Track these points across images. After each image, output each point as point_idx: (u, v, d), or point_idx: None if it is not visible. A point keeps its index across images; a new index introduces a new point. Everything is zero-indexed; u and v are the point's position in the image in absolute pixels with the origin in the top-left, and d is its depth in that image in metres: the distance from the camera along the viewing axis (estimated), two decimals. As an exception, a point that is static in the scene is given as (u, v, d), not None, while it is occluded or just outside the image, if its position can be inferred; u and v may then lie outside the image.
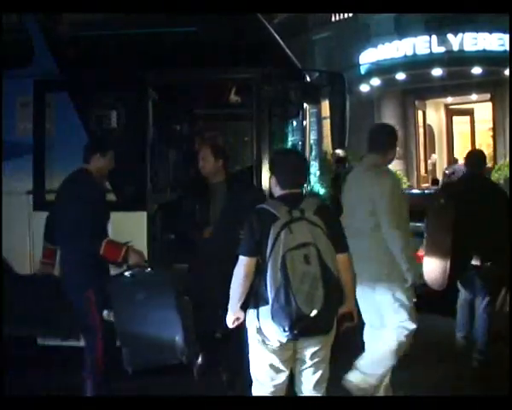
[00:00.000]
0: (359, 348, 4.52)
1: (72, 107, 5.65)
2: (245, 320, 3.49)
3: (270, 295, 3.18)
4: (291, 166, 3.51)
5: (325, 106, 6.17)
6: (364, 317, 4.45)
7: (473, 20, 15.81)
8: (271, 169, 3.62)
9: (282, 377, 3.45)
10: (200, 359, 4.33)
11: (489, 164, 12.92)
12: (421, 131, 19.91)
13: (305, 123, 6.28)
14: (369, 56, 17.96)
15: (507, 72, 15.66)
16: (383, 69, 17.64)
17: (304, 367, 3.46)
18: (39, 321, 4.94)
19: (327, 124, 6.53)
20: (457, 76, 17.19)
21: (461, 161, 17.13)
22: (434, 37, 16.70)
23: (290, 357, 3.42)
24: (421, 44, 16.82)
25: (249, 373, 3.55)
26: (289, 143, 6.22)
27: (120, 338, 4.33)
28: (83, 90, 5.71)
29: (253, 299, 3.38)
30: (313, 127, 6.86)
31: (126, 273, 4.35)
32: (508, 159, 15.45)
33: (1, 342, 4.98)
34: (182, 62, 5.55)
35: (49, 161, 5.63)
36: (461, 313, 5.58)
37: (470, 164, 5.66)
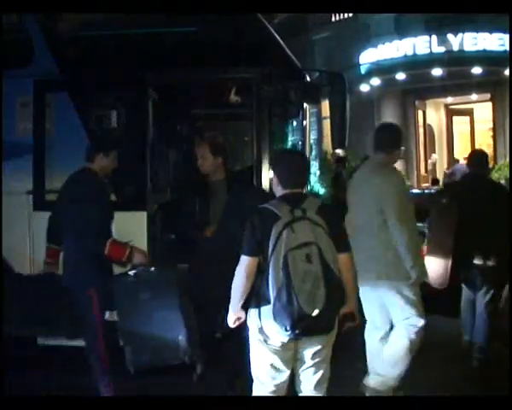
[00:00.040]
0: (360, 348, 4.52)
1: (72, 107, 5.65)
2: (245, 320, 3.49)
3: (272, 294, 3.18)
4: (293, 166, 3.51)
5: (325, 106, 6.18)
6: (368, 316, 4.48)
7: (473, 20, 15.81)
8: (273, 169, 3.61)
9: (283, 377, 3.45)
10: (199, 367, 4.32)
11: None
12: (421, 130, 19.92)
13: (305, 123, 6.28)
14: (369, 56, 17.96)
15: (507, 72, 15.65)
16: (383, 69, 17.64)
17: (305, 367, 3.46)
18: (46, 321, 4.92)
19: (327, 124, 6.53)
20: (457, 76, 17.19)
21: (462, 161, 17.18)
22: (434, 37, 16.71)
23: (291, 357, 3.42)
24: (422, 44, 16.82)
25: (250, 373, 3.55)
26: (289, 143, 6.22)
27: (123, 337, 4.34)
28: (83, 90, 5.71)
29: (254, 299, 3.38)
30: (313, 127, 6.86)
31: (130, 273, 4.36)
32: (508, 159, 15.44)
33: (1, 342, 4.98)
34: (182, 62, 5.55)
35: (49, 161, 5.64)
36: (464, 315, 5.59)
37: (473, 164, 5.67)
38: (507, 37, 15.21)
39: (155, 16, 5.58)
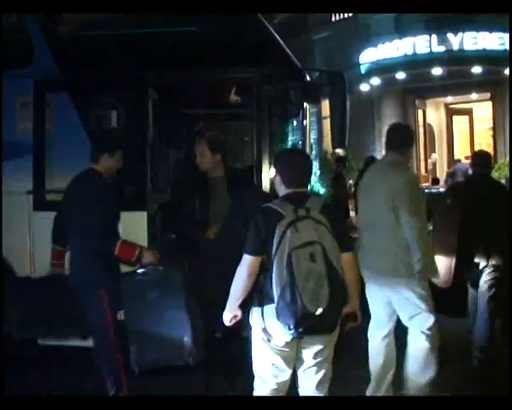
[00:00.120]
0: (362, 349, 4.53)
1: (72, 107, 5.65)
2: (244, 319, 3.49)
3: (276, 293, 3.19)
4: (296, 166, 3.52)
5: (325, 105, 6.18)
6: (373, 314, 4.51)
7: (473, 19, 15.79)
8: (276, 168, 3.61)
9: (285, 376, 3.46)
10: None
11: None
12: (421, 130, 19.89)
13: (305, 123, 6.29)
14: (369, 56, 17.94)
15: (507, 71, 15.64)
16: (383, 69, 17.63)
17: (307, 367, 3.47)
18: (56, 323, 4.93)
19: (327, 123, 6.53)
20: (457, 75, 17.18)
21: (464, 161, 17.22)
22: (434, 36, 16.68)
23: (293, 356, 3.43)
24: (422, 44, 16.79)
25: (250, 372, 3.56)
26: (289, 143, 6.22)
27: (129, 336, 4.33)
28: (83, 90, 5.71)
29: (257, 297, 3.39)
30: (313, 127, 6.86)
31: (139, 271, 4.37)
32: (508, 158, 15.44)
33: (1, 342, 4.99)
34: (182, 62, 5.55)
35: (49, 161, 5.64)
36: (471, 314, 5.62)
37: (477, 164, 5.74)
38: (507, 36, 15.19)
39: (155, 16, 5.58)
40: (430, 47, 16.75)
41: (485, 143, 18.84)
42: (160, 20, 5.70)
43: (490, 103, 18.62)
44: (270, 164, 5.28)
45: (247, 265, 3.36)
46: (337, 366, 3.61)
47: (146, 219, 5.46)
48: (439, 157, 20.16)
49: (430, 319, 4.35)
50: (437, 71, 16.70)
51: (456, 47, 16.53)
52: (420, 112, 19.94)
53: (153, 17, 5.62)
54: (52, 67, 5.73)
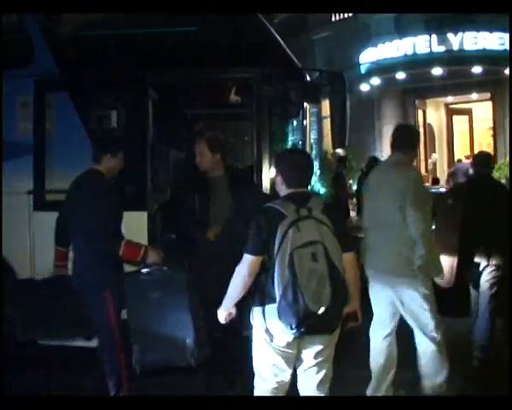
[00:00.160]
0: (363, 349, 4.54)
1: (73, 107, 5.65)
2: (244, 319, 3.49)
3: (278, 292, 3.19)
4: (298, 165, 3.52)
5: (325, 105, 6.17)
6: (376, 313, 4.53)
7: (473, 19, 15.80)
8: (277, 168, 3.60)
9: (286, 376, 3.46)
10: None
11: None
12: (421, 130, 19.89)
13: (305, 123, 6.29)
14: (369, 56, 17.95)
15: (507, 71, 15.65)
16: (383, 68, 17.63)
17: (307, 367, 3.47)
18: (61, 325, 4.91)
19: (327, 123, 6.53)
20: (457, 75, 17.18)
21: (465, 160, 17.22)
22: (434, 36, 16.69)
23: (294, 356, 3.43)
24: (422, 44, 16.80)
25: (250, 372, 3.56)
26: (289, 143, 6.22)
27: (132, 335, 4.33)
28: (83, 90, 5.71)
29: (258, 297, 3.39)
30: (313, 127, 6.87)
31: (143, 270, 4.37)
32: (508, 158, 15.44)
33: (1, 342, 4.99)
34: (182, 62, 5.55)
35: (49, 161, 5.64)
36: (473, 314, 5.64)
37: (478, 164, 5.77)
38: (507, 36, 15.20)
39: (155, 16, 5.58)
40: (430, 47, 16.75)
41: (485, 143, 18.86)
42: (160, 20, 5.70)
43: (490, 103, 18.63)
44: (270, 164, 5.28)
45: (247, 264, 3.36)
46: (337, 365, 3.60)
47: (146, 219, 5.46)
48: (439, 157, 20.16)
49: (434, 320, 4.37)
50: (437, 71, 16.71)
51: (456, 47, 16.54)
52: (420, 112, 19.95)
53: (153, 17, 5.62)
54: (52, 67, 5.74)
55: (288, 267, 3.16)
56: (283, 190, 3.50)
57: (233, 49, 5.46)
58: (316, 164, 7.19)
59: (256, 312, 3.41)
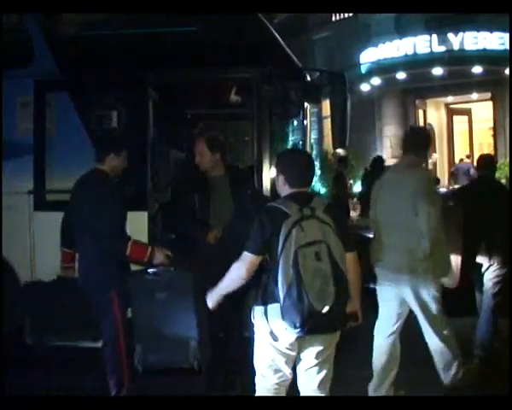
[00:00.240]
0: (363, 349, 4.54)
1: (73, 107, 5.66)
2: (245, 319, 3.49)
3: (282, 291, 3.18)
4: (300, 165, 3.52)
5: (326, 105, 6.17)
6: (382, 312, 4.58)
7: (473, 19, 15.79)
8: (279, 168, 3.60)
9: (287, 375, 3.45)
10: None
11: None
12: (421, 130, 19.86)
13: (305, 122, 6.29)
14: (369, 56, 17.94)
15: (507, 71, 15.64)
16: (384, 68, 17.62)
17: (308, 366, 3.46)
18: (68, 327, 4.90)
19: (327, 123, 6.54)
20: (458, 75, 17.17)
21: (466, 160, 17.23)
22: (435, 36, 16.67)
23: (295, 355, 3.43)
24: (422, 44, 16.79)
25: (250, 373, 3.55)
26: (290, 143, 6.22)
27: (135, 335, 4.33)
28: (83, 90, 5.71)
29: (260, 296, 3.38)
30: (314, 127, 6.88)
31: (149, 270, 4.36)
32: (508, 158, 15.44)
33: (1, 342, 4.98)
34: (182, 62, 5.55)
35: (49, 161, 5.64)
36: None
37: (482, 167, 5.83)
38: (507, 36, 15.18)
39: (155, 16, 5.58)
40: (430, 47, 16.74)
41: (485, 143, 18.84)
42: (160, 20, 5.70)
43: (490, 103, 18.62)
44: (270, 164, 5.28)
45: (247, 262, 3.36)
46: (338, 365, 3.60)
47: (147, 219, 5.46)
48: (440, 157, 20.15)
49: (443, 320, 4.46)
50: (437, 71, 16.70)
51: (456, 47, 16.53)
52: (420, 112, 19.93)
53: (153, 17, 5.62)
54: (52, 67, 5.74)
55: (292, 266, 3.16)
56: (285, 190, 3.50)
57: (233, 49, 5.46)
58: (316, 164, 7.19)
59: (257, 311, 3.41)
